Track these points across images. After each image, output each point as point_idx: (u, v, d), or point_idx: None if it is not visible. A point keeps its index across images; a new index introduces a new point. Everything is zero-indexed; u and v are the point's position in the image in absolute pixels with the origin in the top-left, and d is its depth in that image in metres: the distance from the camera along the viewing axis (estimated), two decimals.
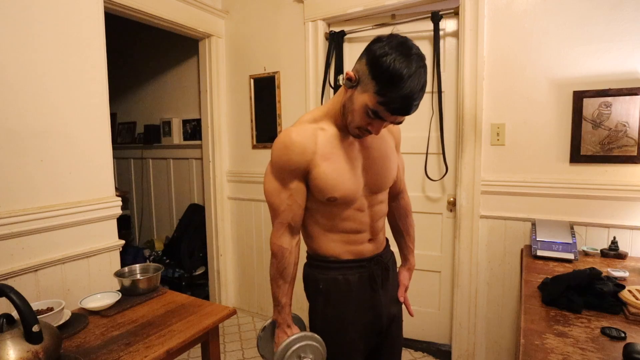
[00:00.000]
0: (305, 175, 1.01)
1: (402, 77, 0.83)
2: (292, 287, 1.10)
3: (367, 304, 1.11)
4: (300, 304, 2.60)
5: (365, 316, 1.11)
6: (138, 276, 1.53)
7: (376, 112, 0.90)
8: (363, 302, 1.10)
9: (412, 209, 1.34)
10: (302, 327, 1.17)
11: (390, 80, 0.84)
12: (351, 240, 1.09)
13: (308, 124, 1.04)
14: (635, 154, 1.69)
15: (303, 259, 1.21)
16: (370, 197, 1.10)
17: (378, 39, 0.89)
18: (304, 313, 1.21)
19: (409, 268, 1.29)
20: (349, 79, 0.94)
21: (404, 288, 1.25)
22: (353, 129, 0.99)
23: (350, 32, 2.34)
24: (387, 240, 1.24)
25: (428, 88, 2.20)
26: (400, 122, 0.97)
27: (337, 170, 1.01)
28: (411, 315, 1.27)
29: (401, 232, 1.31)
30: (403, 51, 0.85)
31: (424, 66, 0.87)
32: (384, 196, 1.16)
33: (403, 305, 1.26)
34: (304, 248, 1.18)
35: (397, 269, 1.29)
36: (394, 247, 1.28)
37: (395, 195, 1.29)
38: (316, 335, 1.05)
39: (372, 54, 0.87)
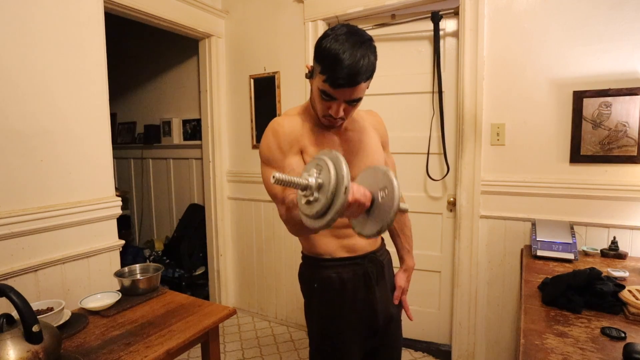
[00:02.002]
0: (298, 152, 1.04)
1: (337, 53, 0.90)
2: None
3: (361, 302, 1.11)
4: (299, 303, 2.60)
5: (361, 314, 1.11)
6: (138, 276, 1.54)
7: (325, 91, 0.95)
8: (358, 300, 1.10)
9: (412, 209, 1.34)
10: None
11: (327, 58, 0.91)
12: (341, 234, 1.09)
13: (292, 116, 1.09)
14: (635, 154, 1.69)
15: (298, 259, 1.21)
16: None
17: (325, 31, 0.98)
18: (301, 312, 1.21)
19: (405, 269, 1.28)
20: (308, 71, 1.02)
21: (400, 290, 1.24)
22: (322, 118, 1.04)
23: None
24: (382, 239, 1.24)
25: (428, 88, 2.21)
26: (353, 101, 0.97)
27: None
28: (410, 319, 1.26)
29: (396, 231, 1.30)
30: (339, 32, 0.93)
31: (359, 42, 0.92)
32: None
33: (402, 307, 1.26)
34: (299, 248, 1.18)
35: (396, 271, 1.29)
36: (391, 248, 1.28)
37: None
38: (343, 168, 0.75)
39: (316, 43, 0.96)
